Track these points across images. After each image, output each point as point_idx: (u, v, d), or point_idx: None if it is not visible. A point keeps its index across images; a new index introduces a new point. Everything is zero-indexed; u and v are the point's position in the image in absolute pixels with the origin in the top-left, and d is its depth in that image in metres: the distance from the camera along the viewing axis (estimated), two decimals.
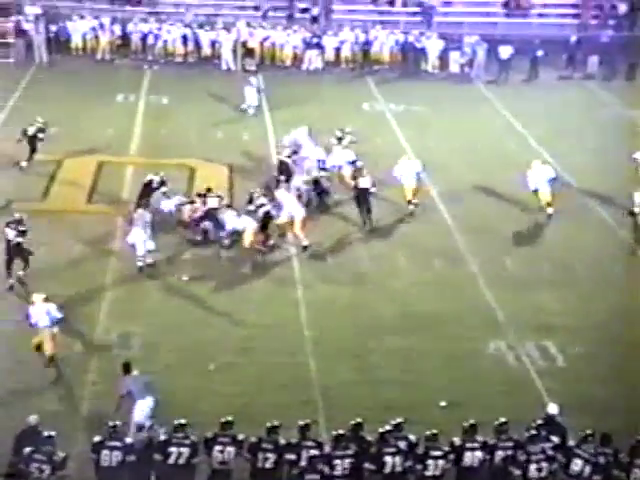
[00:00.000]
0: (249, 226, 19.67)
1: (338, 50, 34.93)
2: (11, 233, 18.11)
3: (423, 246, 20.63)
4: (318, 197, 22.32)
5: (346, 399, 15.15)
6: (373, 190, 21.31)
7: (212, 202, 20.50)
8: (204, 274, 18.96)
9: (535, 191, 22.13)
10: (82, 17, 34.72)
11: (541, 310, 18.22)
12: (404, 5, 38.05)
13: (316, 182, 22.34)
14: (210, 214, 20.27)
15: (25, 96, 29.22)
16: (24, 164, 23.46)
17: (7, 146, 24.38)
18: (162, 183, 21.26)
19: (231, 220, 19.85)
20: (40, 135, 23.67)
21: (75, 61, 33.37)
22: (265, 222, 20.07)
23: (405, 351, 16.64)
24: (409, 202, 22.05)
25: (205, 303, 17.90)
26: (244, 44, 34.08)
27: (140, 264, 18.81)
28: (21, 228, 18.21)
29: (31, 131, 23.58)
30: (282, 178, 22.02)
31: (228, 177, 23.75)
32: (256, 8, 37.30)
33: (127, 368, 14.17)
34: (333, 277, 19.21)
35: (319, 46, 34.73)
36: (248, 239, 19.61)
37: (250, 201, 20.56)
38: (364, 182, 21.31)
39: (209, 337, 16.74)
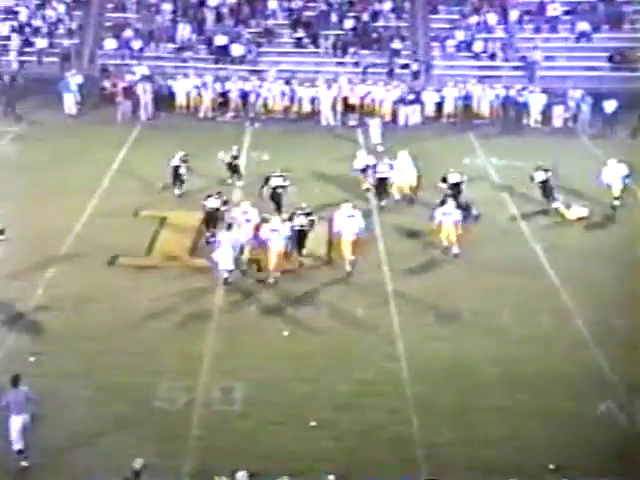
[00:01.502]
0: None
1: (439, 105, 35.20)
2: None
3: (527, 303, 20.41)
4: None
5: (448, 459, 15.01)
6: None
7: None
8: (304, 329, 19.13)
9: (609, 186, 24.60)
10: (186, 76, 35.86)
11: None
12: (505, 60, 38.18)
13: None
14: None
15: (131, 153, 30.24)
16: (177, 192, 26.11)
17: (113, 200, 25.35)
18: (225, 203, 23.28)
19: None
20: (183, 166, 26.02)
21: (179, 118, 34.44)
22: (300, 240, 21.82)
23: (509, 411, 16.41)
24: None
25: (306, 358, 18.02)
26: (345, 100, 34.67)
27: (226, 276, 20.63)
28: None
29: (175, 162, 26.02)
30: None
31: (327, 232, 23.99)
32: (356, 64, 37.94)
33: (15, 381, 14.64)
34: (434, 332, 19.15)
35: (419, 101, 35.06)
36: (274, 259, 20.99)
37: (290, 219, 22.11)
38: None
39: (310, 393, 16.82)
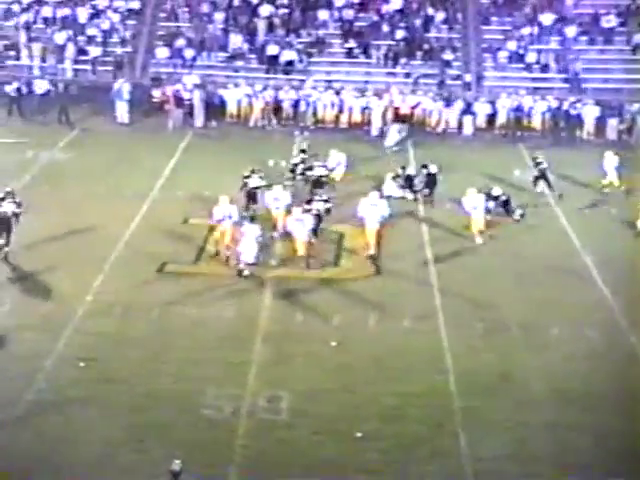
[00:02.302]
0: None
1: (491, 116, 35.01)
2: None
3: (578, 317, 20.18)
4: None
5: (496, 474, 14.86)
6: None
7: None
8: (351, 339, 19.11)
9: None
10: (236, 85, 36.09)
11: None
12: (558, 71, 37.86)
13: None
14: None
15: (182, 161, 30.50)
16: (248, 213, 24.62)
17: (163, 208, 25.61)
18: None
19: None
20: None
21: (229, 127, 34.67)
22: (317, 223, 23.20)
23: (558, 427, 16.20)
24: None
25: (352, 369, 17.99)
26: (396, 110, 34.62)
27: (241, 268, 21.52)
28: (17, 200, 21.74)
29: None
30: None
31: (376, 243, 24.00)
32: (407, 75, 37.89)
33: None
34: (481, 346, 19.01)
35: (471, 112, 34.91)
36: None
37: (309, 202, 23.71)
38: None
39: (356, 404, 16.77)
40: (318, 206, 23.79)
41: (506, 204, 25.92)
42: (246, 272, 21.71)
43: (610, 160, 28.51)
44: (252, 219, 22.71)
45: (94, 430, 15.52)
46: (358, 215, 23.67)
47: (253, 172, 25.40)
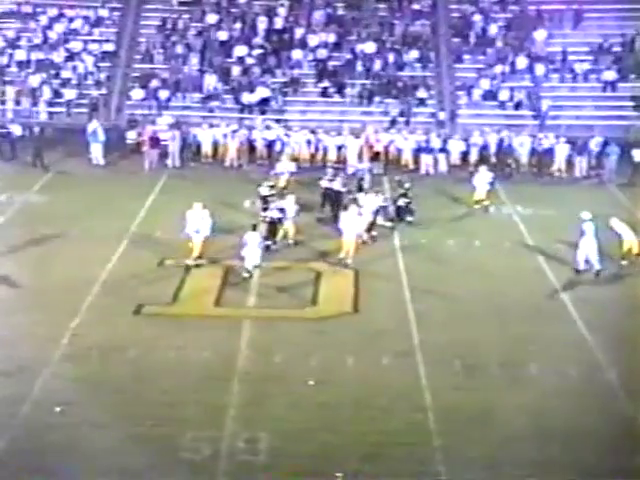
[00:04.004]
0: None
1: (464, 154, 35.30)
2: None
3: (556, 354, 20.25)
4: None
5: None
6: None
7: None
8: (329, 378, 19.06)
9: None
10: (211, 125, 36.25)
11: None
12: (532, 109, 38.35)
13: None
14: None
15: (158, 202, 30.50)
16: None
17: (139, 249, 25.58)
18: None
19: None
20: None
21: (205, 167, 34.75)
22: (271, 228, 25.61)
23: (541, 464, 16.17)
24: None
25: (332, 408, 17.91)
26: (370, 148, 34.87)
27: (245, 275, 23.60)
28: None
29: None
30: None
31: (354, 281, 24.08)
32: (382, 113, 38.22)
33: None
34: (461, 382, 19.01)
35: (445, 150, 35.20)
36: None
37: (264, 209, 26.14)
38: None
39: (336, 443, 16.68)
40: (272, 214, 25.80)
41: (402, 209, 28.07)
42: (245, 274, 23.75)
43: (483, 176, 30.01)
44: (254, 227, 24.41)
45: (72, 476, 15.32)
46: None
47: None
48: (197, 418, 17.31)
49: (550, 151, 34.71)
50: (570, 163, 34.60)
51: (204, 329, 21.20)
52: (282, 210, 26.06)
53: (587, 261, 24.64)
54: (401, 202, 28.57)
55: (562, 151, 34.59)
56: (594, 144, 34.49)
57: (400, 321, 21.72)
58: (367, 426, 17.23)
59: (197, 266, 24.62)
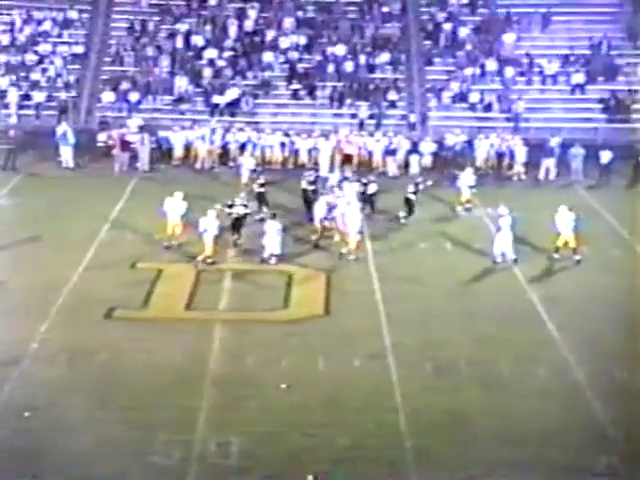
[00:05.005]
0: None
1: (435, 155, 35.44)
2: None
3: (525, 354, 20.39)
4: None
5: None
6: None
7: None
8: (301, 381, 19.08)
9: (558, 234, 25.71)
10: (183, 128, 36.15)
11: None
12: (501, 111, 38.57)
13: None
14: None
15: (129, 205, 30.41)
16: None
17: (110, 252, 25.46)
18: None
19: None
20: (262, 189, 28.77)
21: (176, 170, 34.65)
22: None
23: (509, 465, 16.28)
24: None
25: (303, 410, 17.93)
26: (341, 151, 34.93)
27: (266, 258, 25.06)
28: None
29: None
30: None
31: (325, 284, 24.13)
32: (353, 116, 38.30)
33: None
34: (432, 383, 19.10)
35: (417, 152, 35.31)
36: None
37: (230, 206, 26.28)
38: None
39: (307, 446, 16.71)
40: (238, 210, 26.28)
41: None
42: (272, 261, 25.01)
43: (467, 177, 30.54)
44: (274, 216, 25.81)
45: None
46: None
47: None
48: (168, 422, 17.28)
49: (510, 153, 34.91)
50: (529, 165, 34.80)
51: (175, 332, 21.15)
52: (246, 206, 26.68)
53: (503, 254, 25.53)
54: (411, 196, 28.99)
55: (521, 153, 34.82)
56: (554, 143, 34.77)
57: (371, 323, 21.79)
58: (338, 428, 17.27)
59: (211, 264, 25.02)
